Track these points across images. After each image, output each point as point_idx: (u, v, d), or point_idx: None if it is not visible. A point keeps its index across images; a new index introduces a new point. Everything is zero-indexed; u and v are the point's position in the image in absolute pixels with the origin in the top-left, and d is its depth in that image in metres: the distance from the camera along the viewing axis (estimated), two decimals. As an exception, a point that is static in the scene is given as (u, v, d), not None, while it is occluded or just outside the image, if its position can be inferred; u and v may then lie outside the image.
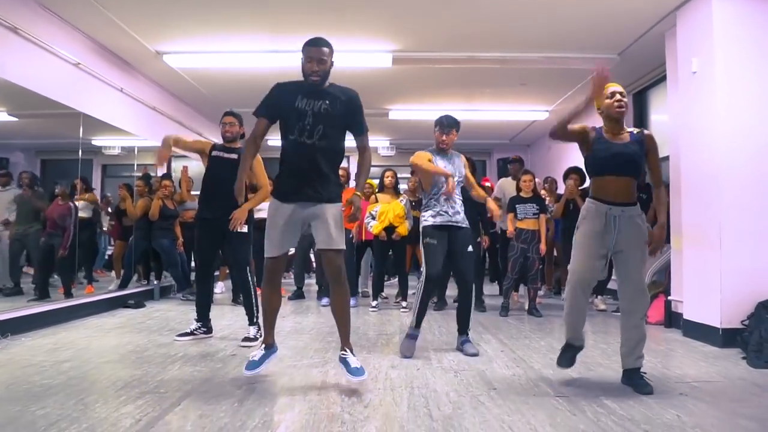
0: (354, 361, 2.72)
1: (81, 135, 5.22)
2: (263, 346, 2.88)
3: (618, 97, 2.79)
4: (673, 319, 4.58)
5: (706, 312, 3.96)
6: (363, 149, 2.88)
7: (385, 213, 5.48)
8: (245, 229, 3.82)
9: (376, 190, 5.96)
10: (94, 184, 6.44)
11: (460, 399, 2.55)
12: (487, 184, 7.11)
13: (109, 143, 6.39)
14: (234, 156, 3.82)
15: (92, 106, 5.24)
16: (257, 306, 3.82)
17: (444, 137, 3.68)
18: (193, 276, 5.39)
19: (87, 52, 5.13)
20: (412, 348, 3.48)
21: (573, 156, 6.71)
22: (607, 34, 5.04)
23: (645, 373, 2.76)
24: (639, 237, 2.73)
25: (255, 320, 3.83)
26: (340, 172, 5.92)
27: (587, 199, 2.85)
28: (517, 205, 5.39)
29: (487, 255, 6.70)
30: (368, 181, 6.52)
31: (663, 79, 5.59)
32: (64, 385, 2.72)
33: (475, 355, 3.45)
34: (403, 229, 5.45)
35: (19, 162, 5.53)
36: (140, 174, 6.61)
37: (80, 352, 3.50)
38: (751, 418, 2.30)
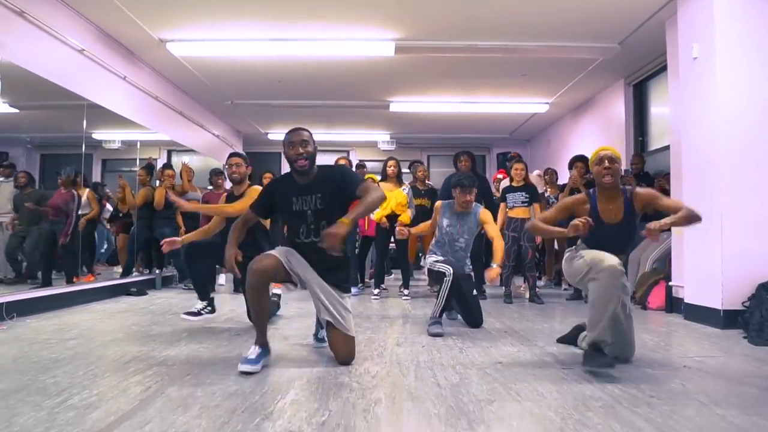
0: None
1: (85, 127, 5.22)
2: (259, 345, 2.65)
3: (606, 164, 2.63)
4: (674, 305, 4.61)
5: (707, 295, 3.99)
6: (367, 192, 2.65)
7: (387, 201, 5.50)
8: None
9: (378, 180, 5.99)
10: (94, 178, 6.45)
11: (467, 371, 2.57)
12: (500, 176, 7.14)
13: (110, 137, 6.39)
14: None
15: (96, 93, 5.25)
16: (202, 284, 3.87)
17: (467, 197, 3.80)
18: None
19: (91, 38, 5.14)
20: (438, 329, 3.50)
21: (573, 151, 6.75)
22: (608, 23, 5.08)
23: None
24: None
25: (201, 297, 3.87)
26: (342, 161, 5.99)
27: (573, 250, 2.76)
28: (507, 194, 5.44)
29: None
30: (370, 175, 6.54)
31: (663, 69, 5.63)
32: (72, 358, 2.73)
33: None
34: (405, 217, 5.47)
35: (19, 156, 5.53)
36: (143, 164, 6.62)
37: (85, 332, 3.51)
38: (754, 386, 2.33)
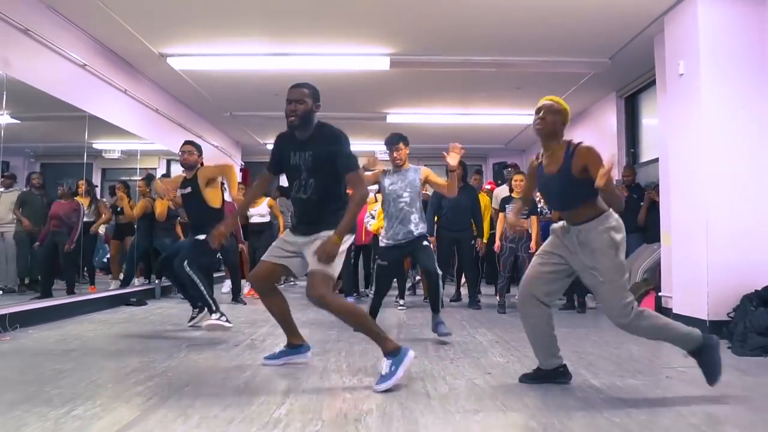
0: (384, 367, 2.56)
1: (87, 137, 5.34)
2: (285, 345, 3.01)
3: (541, 114, 2.54)
4: (662, 314, 4.69)
5: (694, 306, 4.09)
6: (353, 186, 2.72)
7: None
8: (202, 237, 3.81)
9: (375, 192, 6.10)
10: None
11: (456, 381, 2.67)
12: (488, 187, 7.27)
13: (110, 146, 6.50)
14: (188, 190, 4.05)
15: (97, 107, 5.36)
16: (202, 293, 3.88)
17: (395, 153, 3.93)
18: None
19: (93, 53, 5.27)
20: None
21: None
22: (599, 39, 5.21)
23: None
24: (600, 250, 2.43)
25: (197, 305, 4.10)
26: None
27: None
28: (507, 205, 5.54)
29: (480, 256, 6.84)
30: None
31: (653, 83, 5.76)
32: (75, 369, 2.82)
33: (448, 334, 3.68)
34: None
35: (19, 166, 5.63)
36: (143, 176, 6.72)
37: (88, 342, 3.61)
38: (732, 396, 2.42)
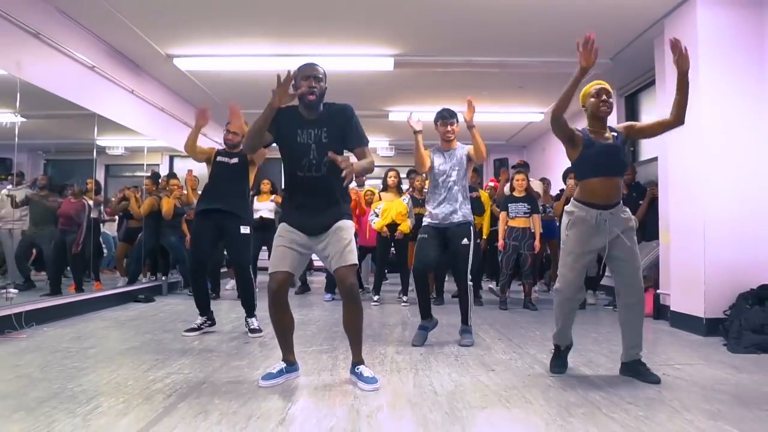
0: (367, 371, 2.68)
1: (96, 135, 5.43)
2: (282, 361, 2.77)
3: (604, 97, 2.79)
4: (661, 312, 4.82)
5: (691, 303, 4.20)
6: (365, 157, 2.73)
7: (387, 210, 5.71)
8: (247, 230, 4.02)
9: (379, 190, 6.21)
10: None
11: (461, 378, 2.78)
12: (491, 184, 7.35)
13: (114, 143, 6.57)
14: (235, 160, 4.08)
15: (105, 107, 5.46)
16: (256, 300, 4.10)
17: (448, 127, 3.82)
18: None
19: (102, 55, 5.35)
20: (421, 338, 3.67)
21: (567, 159, 6.95)
22: (599, 41, 5.14)
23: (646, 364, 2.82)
24: (629, 234, 2.77)
25: (254, 312, 4.05)
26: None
27: (573, 203, 2.85)
28: (509, 204, 5.64)
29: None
30: (370, 188, 6.73)
31: (653, 83, 5.84)
32: (94, 367, 2.94)
33: (467, 346, 3.58)
34: (405, 226, 5.68)
35: (24, 162, 5.71)
36: (149, 173, 6.82)
37: (102, 341, 3.71)
38: (726, 393, 2.53)
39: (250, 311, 4.05)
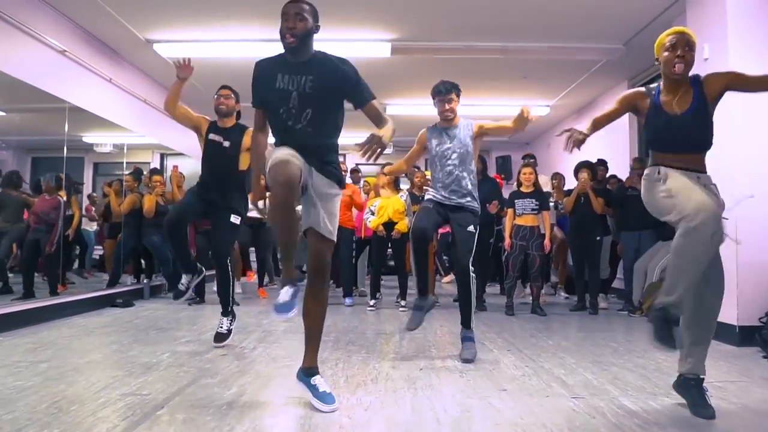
0: (323, 384, 2.29)
1: (66, 130, 5.01)
2: (288, 280, 2.20)
3: (679, 51, 2.17)
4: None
5: (722, 310, 3.75)
6: (377, 120, 2.36)
7: (384, 208, 5.30)
8: (237, 220, 3.61)
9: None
10: (85, 182, 6.24)
11: (468, 401, 2.36)
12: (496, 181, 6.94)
13: (101, 140, 6.19)
14: (227, 144, 3.62)
15: (80, 96, 5.03)
16: (233, 297, 3.65)
17: (445, 105, 3.29)
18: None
19: (74, 39, 4.93)
20: (416, 321, 3.21)
21: (573, 155, 6.54)
22: (613, 24, 4.89)
23: (707, 389, 2.26)
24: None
25: (229, 309, 3.57)
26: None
27: (652, 167, 2.28)
28: (516, 200, 5.21)
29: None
30: (367, 179, 6.34)
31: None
32: (39, 386, 2.51)
33: (468, 360, 3.06)
34: (403, 225, 5.26)
35: (7, 159, 5.34)
36: (130, 170, 6.40)
37: (60, 352, 3.28)
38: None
39: (225, 307, 3.57)
